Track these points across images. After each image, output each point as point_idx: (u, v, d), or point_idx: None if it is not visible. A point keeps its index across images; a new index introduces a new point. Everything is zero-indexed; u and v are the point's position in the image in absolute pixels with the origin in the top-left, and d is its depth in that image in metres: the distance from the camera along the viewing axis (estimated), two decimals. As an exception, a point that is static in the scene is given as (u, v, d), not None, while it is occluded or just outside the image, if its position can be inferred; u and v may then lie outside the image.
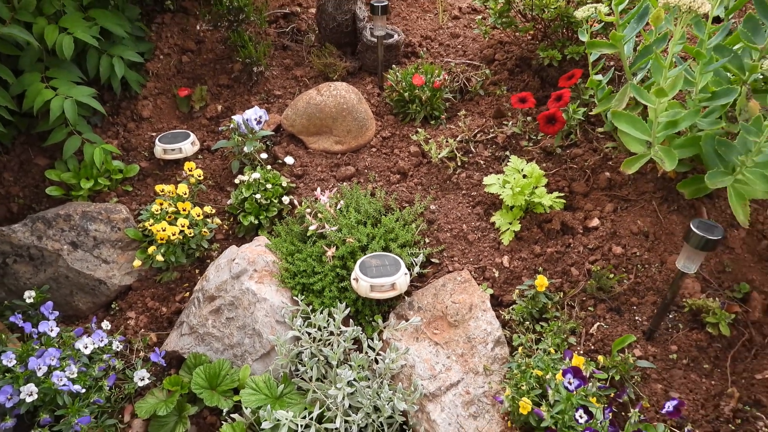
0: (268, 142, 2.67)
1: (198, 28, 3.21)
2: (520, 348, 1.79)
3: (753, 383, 1.66)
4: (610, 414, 1.40)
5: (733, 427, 1.56)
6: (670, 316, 1.84)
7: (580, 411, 1.38)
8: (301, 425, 1.74)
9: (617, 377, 1.66)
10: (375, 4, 2.56)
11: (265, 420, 1.75)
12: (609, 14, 1.93)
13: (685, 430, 1.51)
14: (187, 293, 2.30)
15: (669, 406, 1.41)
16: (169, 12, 3.29)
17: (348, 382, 1.77)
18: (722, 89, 1.74)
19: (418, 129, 2.50)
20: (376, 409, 1.77)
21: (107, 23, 2.57)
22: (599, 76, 2.08)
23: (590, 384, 1.52)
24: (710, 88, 1.76)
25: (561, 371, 1.45)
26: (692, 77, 1.75)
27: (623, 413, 1.62)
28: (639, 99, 1.72)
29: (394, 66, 2.76)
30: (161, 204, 2.33)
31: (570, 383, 1.42)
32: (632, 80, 1.98)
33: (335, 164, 2.56)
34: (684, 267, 1.60)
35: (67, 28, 2.42)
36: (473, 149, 2.45)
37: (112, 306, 2.32)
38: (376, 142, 2.60)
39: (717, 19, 1.99)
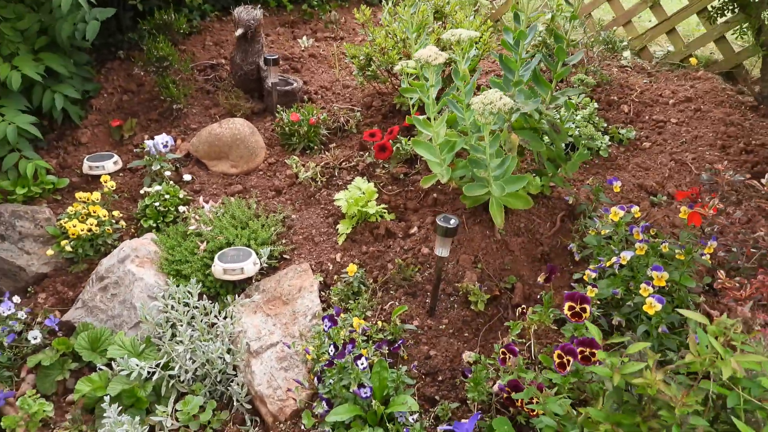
0: (178, 165, 3.24)
1: (142, 73, 3.86)
2: (327, 318, 2.28)
3: (493, 345, 2.15)
4: (352, 347, 1.88)
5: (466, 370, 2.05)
6: (451, 299, 2.35)
7: (331, 347, 1.88)
8: (149, 371, 2.21)
9: (390, 337, 2.16)
10: (267, 58, 3.20)
11: (122, 369, 2.23)
12: (414, 68, 2.54)
13: (411, 366, 2.00)
14: (91, 280, 2.80)
15: (394, 345, 1.91)
16: (119, 59, 3.96)
17: (191, 341, 2.26)
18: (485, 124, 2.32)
19: (295, 156, 3.08)
20: (210, 361, 2.25)
21: (53, 64, 3.19)
22: (418, 116, 2.68)
23: (337, 329, 2.01)
24: (477, 122, 2.33)
25: (321, 319, 1.95)
26: (462, 113, 2.33)
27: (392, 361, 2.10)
28: (419, 128, 2.31)
29: (289, 108, 3.37)
30: (76, 207, 2.87)
31: (326, 325, 1.92)
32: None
33: (228, 183, 3.13)
34: (439, 251, 2.12)
35: (18, 66, 3.04)
36: (337, 174, 3.02)
37: (29, 290, 2.82)
38: (264, 166, 3.17)
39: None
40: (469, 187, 2.25)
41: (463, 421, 1.47)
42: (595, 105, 3.07)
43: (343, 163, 3.06)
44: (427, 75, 2.15)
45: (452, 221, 2.03)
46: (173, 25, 3.64)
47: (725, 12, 2.74)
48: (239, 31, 3.27)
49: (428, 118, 2.37)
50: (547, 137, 2.53)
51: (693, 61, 3.67)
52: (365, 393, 1.79)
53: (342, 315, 2.19)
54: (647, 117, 3.20)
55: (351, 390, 1.76)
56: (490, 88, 2.06)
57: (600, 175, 2.84)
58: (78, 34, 3.15)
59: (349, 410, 1.76)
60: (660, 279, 1.84)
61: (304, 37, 4.24)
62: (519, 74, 2.25)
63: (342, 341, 1.96)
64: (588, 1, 4.10)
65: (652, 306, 1.79)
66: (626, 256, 1.98)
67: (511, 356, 1.69)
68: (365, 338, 2.13)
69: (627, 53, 3.81)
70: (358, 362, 1.78)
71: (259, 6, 3.51)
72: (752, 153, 2.84)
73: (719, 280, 1.58)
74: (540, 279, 1.95)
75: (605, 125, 3.05)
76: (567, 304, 1.76)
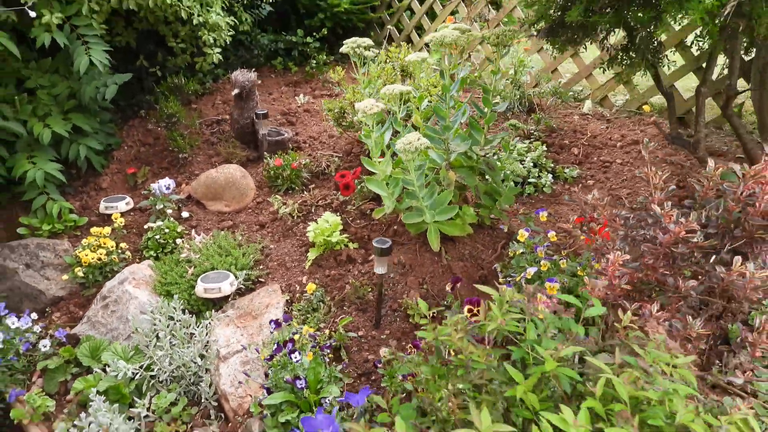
0: (180, 205, 3.73)
1: (157, 129, 4.44)
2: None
3: (425, 351, 2.46)
4: (291, 345, 2.23)
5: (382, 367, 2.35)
6: (395, 314, 2.68)
7: (276, 346, 2.23)
8: (134, 372, 2.60)
9: (336, 345, 2.49)
10: (258, 113, 3.71)
11: (112, 370, 2.62)
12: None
13: (343, 365, 2.32)
14: (98, 302, 3.24)
15: (327, 346, 2.24)
16: (139, 117, 4.57)
17: (171, 347, 2.64)
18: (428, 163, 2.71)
19: (278, 196, 3.52)
20: (185, 365, 2.62)
21: (79, 122, 3.78)
22: (375, 159, 3.09)
23: (289, 332, 2.36)
24: (421, 160, 2.73)
25: (268, 321, 2.32)
26: (404, 155, 2.73)
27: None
28: (367, 168, 2.71)
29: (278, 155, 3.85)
30: (90, 239, 3.35)
31: (271, 328, 2.28)
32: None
33: (221, 219, 3.58)
34: (378, 269, 2.48)
35: (50, 124, 3.63)
36: (314, 210, 3.44)
37: (46, 311, 3.28)
38: (252, 205, 3.63)
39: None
40: (407, 215, 2.62)
41: (356, 394, 1.79)
42: (544, 148, 3.43)
43: (320, 201, 3.48)
44: (368, 123, 2.58)
45: (387, 243, 2.39)
46: (183, 88, 4.23)
47: (622, 62, 3.04)
48: (236, 91, 3.81)
49: (381, 158, 2.78)
50: (487, 175, 2.90)
51: (646, 108, 4.01)
52: (300, 384, 2.12)
53: (296, 325, 2.55)
54: (595, 158, 3.54)
55: (285, 380, 2.10)
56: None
57: (542, 208, 3.16)
58: (99, 96, 3.74)
59: (282, 396, 2.09)
60: (552, 289, 2.14)
61: (302, 95, 4.79)
62: (450, 120, 2.65)
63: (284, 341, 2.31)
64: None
65: (541, 312, 2.09)
66: (531, 271, 2.29)
67: (415, 350, 2.01)
68: (314, 344, 2.47)
69: (588, 102, 4.18)
70: (293, 356, 2.13)
71: (253, 69, 4.07)
72: (683, 188, 3.13)
73: (585, 284, 1.88)
74: (448, 287, 2.28)
75: (552, 165, 3.40)
76: (467, 307, 2.09)
